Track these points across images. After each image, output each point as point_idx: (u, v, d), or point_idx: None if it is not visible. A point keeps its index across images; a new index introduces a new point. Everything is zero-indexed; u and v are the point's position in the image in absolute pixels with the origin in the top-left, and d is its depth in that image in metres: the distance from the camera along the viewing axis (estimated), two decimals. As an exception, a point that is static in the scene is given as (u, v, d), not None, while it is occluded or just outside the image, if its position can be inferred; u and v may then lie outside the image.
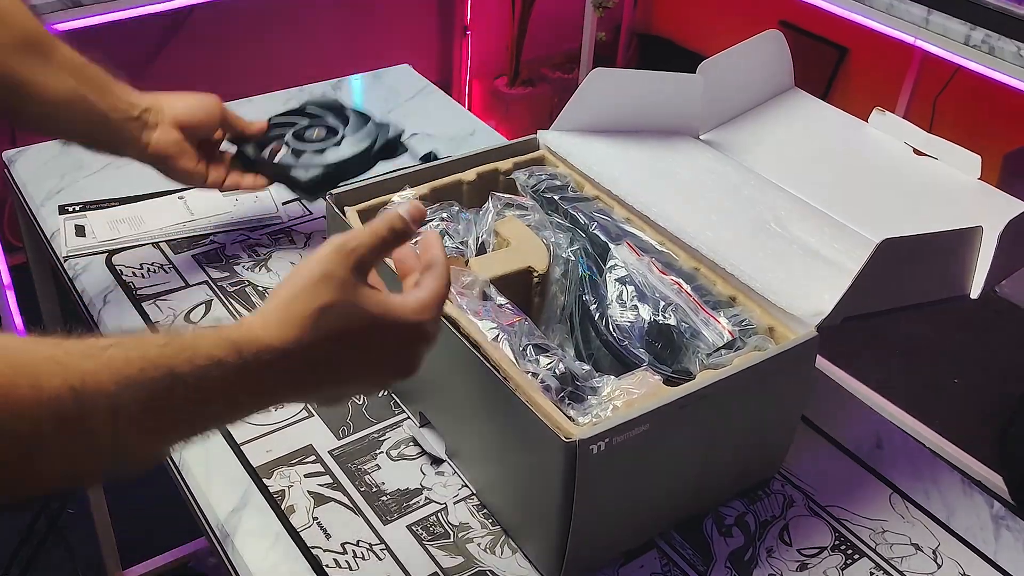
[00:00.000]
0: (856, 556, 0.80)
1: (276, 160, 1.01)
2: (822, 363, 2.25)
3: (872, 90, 2.73)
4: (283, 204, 1.17)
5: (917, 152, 1.06)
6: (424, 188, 0.92)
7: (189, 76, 2.31)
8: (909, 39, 1.81)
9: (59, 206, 1.12)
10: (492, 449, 0.79)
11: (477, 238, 0.87)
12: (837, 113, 1.14)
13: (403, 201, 0.87)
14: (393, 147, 1.04)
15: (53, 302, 1.35)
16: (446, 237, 0.86)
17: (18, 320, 1.90)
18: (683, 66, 1.07)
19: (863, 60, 2.77)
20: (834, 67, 2.85)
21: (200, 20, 2.39)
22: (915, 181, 1.04)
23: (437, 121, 1.37)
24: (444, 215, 0.88)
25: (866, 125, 1.10)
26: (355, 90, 1.45)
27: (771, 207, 0.97)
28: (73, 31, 1.86)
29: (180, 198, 1.15)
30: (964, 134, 2.61)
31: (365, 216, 0.88)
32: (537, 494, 0.73)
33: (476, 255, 0.86)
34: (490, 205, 0.89)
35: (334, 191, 0.89)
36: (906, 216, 1.00)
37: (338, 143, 1.02)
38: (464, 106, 3.03)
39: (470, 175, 0.95)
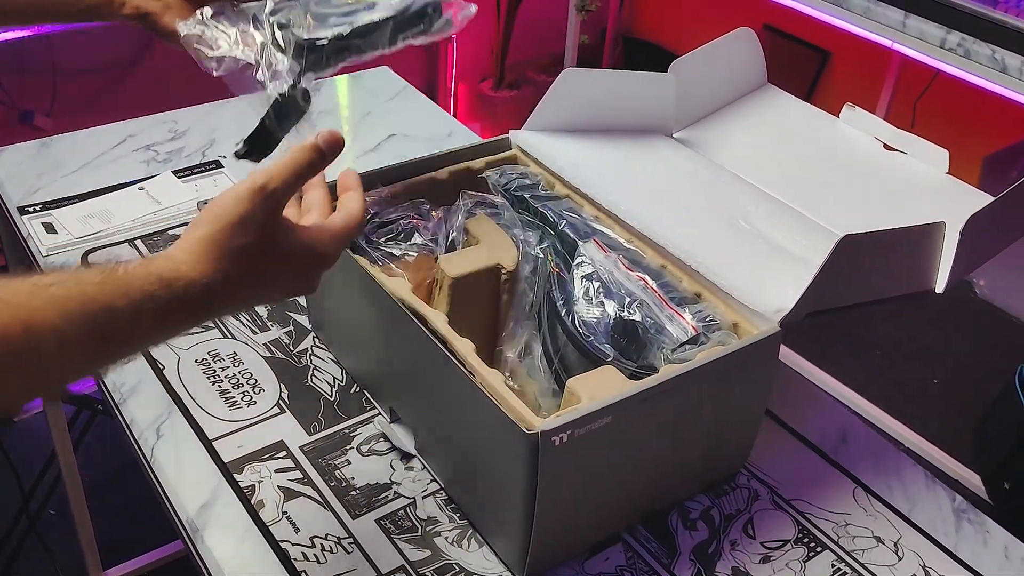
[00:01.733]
0: (819, 549, 0.81)
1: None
2: (797, 360, 2.26)
3: (854, 93, 2.75)
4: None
5: (887, 147, 1.07)
6: (397, 186, 0.93)
7: (174, 76, 2.32)
8: (887, 42, 1.83)
9: (18, 207, 1.12)
10: (459, 443, 0.80)
11: (447, 235, 0.88)
12: (809, 109, 1.15)
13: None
14: (420, 16, 0.89)
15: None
16: (416, 234, 0.87)
17: None
18: (667, 69, 1.08)
19: (845, 64, 2.79)
20: (817, 71, 2.87)
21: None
22: (884, 176, 1.05)
23: (415, 122, 1.38)
24: (415, 213, 0.89)
25: (837, 121, 1.11)
26: (335, 91, 1.46)
27: (740, 204, 0.98)
28: (46, 32, 1.87)
29: (140, 188, 1.16)
30: (944, 137, 2.63)
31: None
32: (501, 487, 0.74)
33: (446, 252, 0.87)
34: (460, 203, 0.90)
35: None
36: (874, 211, 1.01)
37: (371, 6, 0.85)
38: (449, 110, 3.05)
39: (443, 174, 0.95)
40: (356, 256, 0.84)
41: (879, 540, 0.82)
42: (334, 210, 0.71)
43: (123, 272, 0.57)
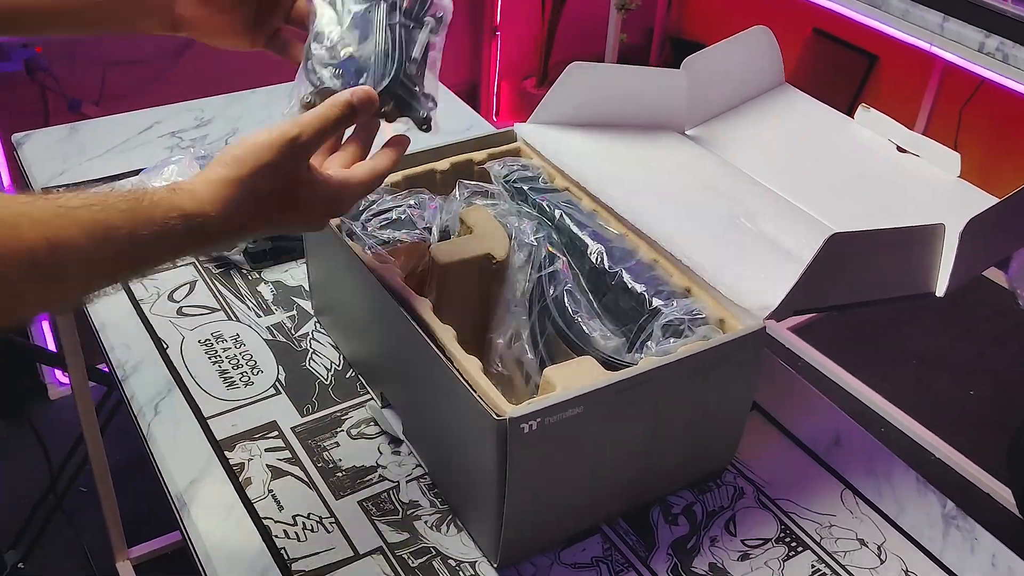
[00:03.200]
0: (800, 548, 0.80)
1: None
2: (829, 366, 2.22)
3: (899, 98, 2.70)
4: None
5: (900, 149, 1.06)
6: (397, 176, 0.94)
7: (219, 67, 2.37)
8: (925, 46, 1.80)
9: (42, 188, 1.16)
10: (440, 429, 0.81)
11: (442, 224, 0.89)
12: (825, 109, 1.14)
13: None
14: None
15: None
16: (410, 222, 0.88)
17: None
18: None
19: (892, 68, 2.74)
20: (864, 75, 2.83)
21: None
22: (895, 178, 1.04)
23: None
24: (412, 201, 0.90)
25: (852, 122, 1.10)
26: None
27: (744, 202, 0.97)
28: None
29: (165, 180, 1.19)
30: (990, 146, 2.59)
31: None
32: (476, 473, 0.75)
33: (440, 241, 0.88)
34: (456, 193, 0.90)
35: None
36: (882, 213, 1.00)
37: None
38: (491, 106, 3.06)
39: (443, 164, 0.96)
40: (350, 242, 0.85)
41: (862, 542, 0.81)
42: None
43: (148, 203, 0.60)
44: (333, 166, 0.71)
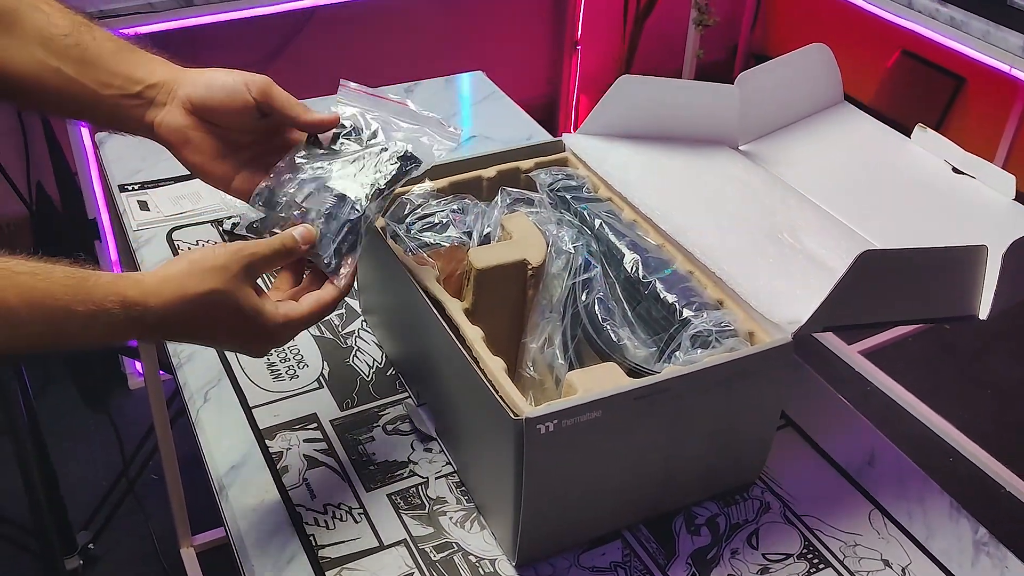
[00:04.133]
0: (821, 566, 0.80)
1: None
2: (900, 392, 2.16)
3: (985, 120, 2.63)
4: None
5: (956, 170, 1.04)
6: (444, 182, 0.97)
7: (308, 74, 2.44)
8: (1005, 68, 1.76)
9: (118, 185, 1.22)
10: (467, 428, 0.83)
11: (482, 230, 0.91)
12: (882, 129, 1.13)
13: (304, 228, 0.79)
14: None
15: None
16: (451, 227, 0.91)
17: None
18: None
19: (979, 90, 2.68)
20: (951, 96, 2.77)
21: (321, 20, 2.51)
22: (949, 199, 1.02)
23: (498, 125, 1.41)
24: (455, 207, 0.93)
25: (909, 142, 1.09)
26: (428, 91, 1.51)
27: (789, 218, 0.97)
28: (193, 28, 2.00)
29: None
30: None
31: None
32: (497, 472, 0.76)
33: (480, 246, 0.90)
34: (499, 199, 0.93)
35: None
36: (932, 233, 0.98)
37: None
38: (570, 120, 3.08)
39: (491, 172, 0.99)
40: (393, 244, 0.88)
41: (887, 563, 0.80)
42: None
43: (92, 283, 0.64)
44: (276, 293, 0.77)
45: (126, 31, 1.89)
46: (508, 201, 0.93)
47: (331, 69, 2.56)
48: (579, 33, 2.94)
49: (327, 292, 0.77)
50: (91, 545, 1.76)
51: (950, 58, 2.59)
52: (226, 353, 0.99)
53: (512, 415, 0.70)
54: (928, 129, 1.07)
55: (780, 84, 1.12)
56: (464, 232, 0.91)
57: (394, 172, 0.82)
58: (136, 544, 1.81)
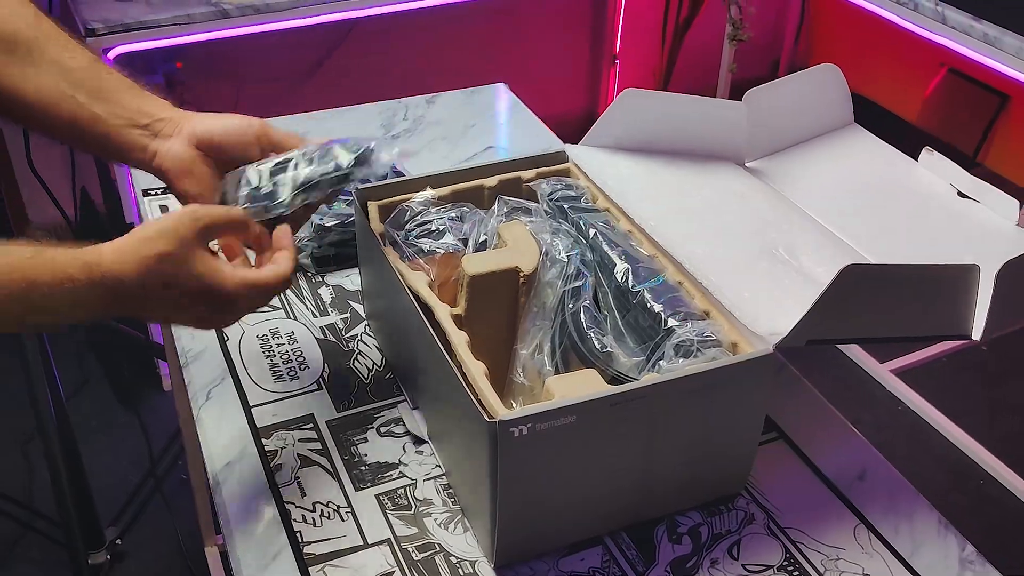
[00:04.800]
0: (801, 578, 0.80)
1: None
2: (929, 411, 2.12)
3: (1029, 139, 2.59)
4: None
5: (961, 195, 1.04)
6: (446, 190, 0.99)
7: (348, 85, 2.47)
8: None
9: (143, 190, 1.26)
10: (452, 432, 0.84)
11: (478, 237, 0.93)
12: (889, 151, 1.12)
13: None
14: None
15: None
16: (448, 234, 0.93)
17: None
18: None
19: (1022, 107, 2.63)
20: (994, 114, 2.72)
21: (362, 32, 2.56)
22: (953, 222, 1.02)
23: (517, 137, 1.43)
24: (454, 214, 0.95)
25: (916, 165, 1.09)
26: (448, 103, 1.54)
27: (787, 235, 0.97)
28: (232, 39, 2.05)
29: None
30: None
31: (385, 211, 0.95)
32: (477, 475, 0.78)
33: (475, 252, 0.92)
34: (496, 207, 0.94)
35: (361, 186, 0.97)
36: (932, 255, 0.98)
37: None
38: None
39: (492, 181, 1.00)
40: (391, 250, 0.90)
41: (867, 578, 0.80)
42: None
43: (52, 253, 0.67)
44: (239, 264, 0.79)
45: (164, 43, 1.95)
46: (506, 209, 0.94)
47: (370, 80, 2.60)
48: (618, 47, 2.96)
49: (283, 258, 0.79)
50: (118, 541, 1.80)
51: (992, 75, 2.55)
52: (231, 353, 1.01)
53: (487, 418, 0.71)
54: (934, 152, 1.07)
55: (789, 102, 1.13)
56: (460, 239, 0.93)
57: (349, 162, 0.85)
58: (162, 541, 1.85)
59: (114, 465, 1.98)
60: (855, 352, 2.32)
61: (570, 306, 0.86)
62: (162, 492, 1.87)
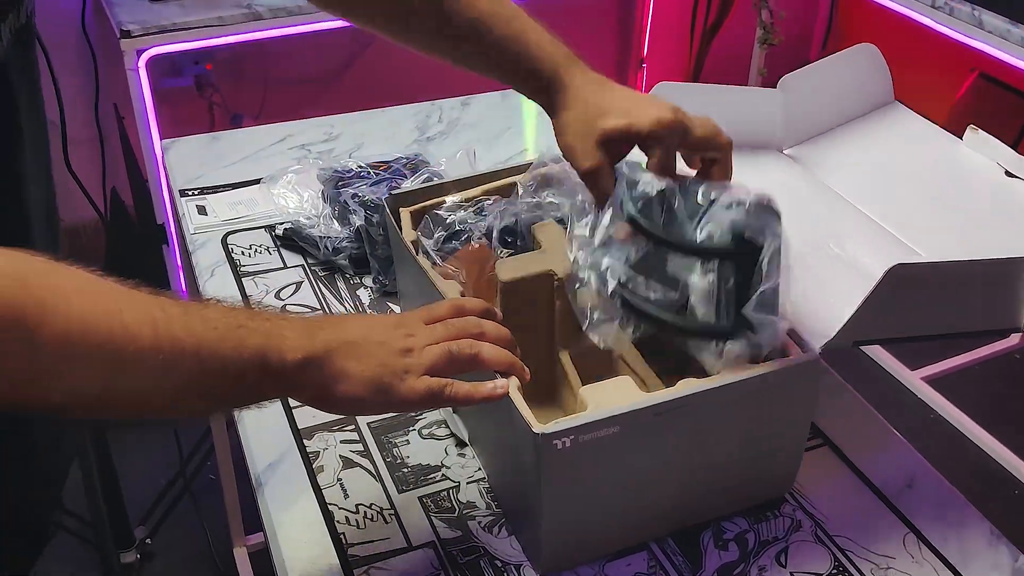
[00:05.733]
0: (850, 587, 0.79)
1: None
2: (963, 420, 2.09)
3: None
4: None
5: (1008, 174, 1.02)
6: (477, 190, 0.97)
7: (375, 87, 2.47)
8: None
9: (180, 190, 1.26)
10: (496, 437, 0.84)
11: (501, 223, 0.90)
12: (933, 129, 1.11)
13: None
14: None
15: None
16: (472, 228, 0.91)
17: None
18: None
19: (1056, 113, 2.61)
20: (1026, 119, 2.70)
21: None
22: (1000, 203, 1.01)
23: (551, 139, 1.42)
24: (474, 209, 0.93)
25: (961, 144, 1.07)
26: (483, 106, 1.53)
27: (836, 227, 0.96)
28: (262, 40, 2.06)
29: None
30: None
31: (417, 217, 0.94)
32: (522, 482, 0.77)
33: (501, 237, 0.90)
34: (519, 189, 0.91)
35: (393, 192, 0.97)
36: (982, 240, 0.97)
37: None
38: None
39: (526, 178, 0.99)
40: (421, 259, 0.89)
41: (919, 588, 0.79)
42: None
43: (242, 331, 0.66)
44: None
45: (196, 44, 1.95)
46: (532, 186, 0.92)
47: (397, 81, 2.60)
48: (645, 51, 2.95)
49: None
50: (148, 540, 1.81)
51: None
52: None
53: (530, 430, 0.70)
54: (980, 131, 1.05)
55: (826, 86, 1.11)
56: (484, 233, 0.91)
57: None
58: (191, 541, 1.85)
59: (142, 464, 1.98)
60: (887, 359, 2.30)
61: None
62: (191, 492, 1.87)
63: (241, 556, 1.81)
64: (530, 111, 1.51)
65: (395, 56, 2.63)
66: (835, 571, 0.80)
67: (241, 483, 1.73)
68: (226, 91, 2.46)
